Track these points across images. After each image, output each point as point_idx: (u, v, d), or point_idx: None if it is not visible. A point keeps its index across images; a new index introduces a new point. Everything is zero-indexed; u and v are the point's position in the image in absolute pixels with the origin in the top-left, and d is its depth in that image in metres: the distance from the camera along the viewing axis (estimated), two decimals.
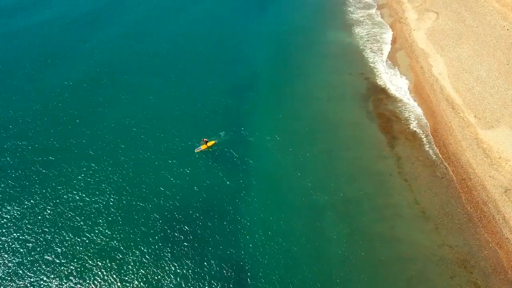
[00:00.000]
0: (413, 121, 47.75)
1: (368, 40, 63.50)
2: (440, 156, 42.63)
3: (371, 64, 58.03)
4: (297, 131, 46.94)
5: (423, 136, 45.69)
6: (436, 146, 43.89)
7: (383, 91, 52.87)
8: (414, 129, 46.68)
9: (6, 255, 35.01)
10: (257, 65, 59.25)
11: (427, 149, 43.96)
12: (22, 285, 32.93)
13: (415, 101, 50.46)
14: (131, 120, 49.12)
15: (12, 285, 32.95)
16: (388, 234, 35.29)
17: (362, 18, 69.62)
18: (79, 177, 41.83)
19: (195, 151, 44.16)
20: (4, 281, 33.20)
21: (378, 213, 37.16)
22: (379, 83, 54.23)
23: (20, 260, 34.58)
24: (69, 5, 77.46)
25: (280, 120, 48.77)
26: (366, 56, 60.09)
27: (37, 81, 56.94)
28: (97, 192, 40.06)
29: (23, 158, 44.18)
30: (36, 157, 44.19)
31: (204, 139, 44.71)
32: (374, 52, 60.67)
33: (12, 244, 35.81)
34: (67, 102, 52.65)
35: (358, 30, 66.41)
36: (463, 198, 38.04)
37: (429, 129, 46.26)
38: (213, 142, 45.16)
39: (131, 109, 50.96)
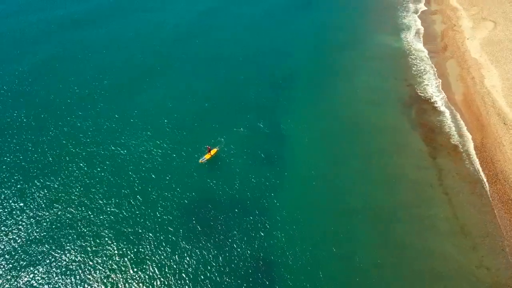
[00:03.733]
0: (457, 133, 45.18)
1: (416, 46, 60.87)
2: (486, 173, 40.01)
3: (418, 71, 55.56)
4: (335, 131, 45.76)
5: (468, 150, 43.09)
6: (482, 162, 41.23)
7: (427, 99, 50.47)
8: (458, 142, 44.18)
9: (37, 229, 36.24)
10: (300, 62, 58.40)
11: (471, 164, 41.43)
12: (44, 259, 33.83)
13: (462, 113, 47.71)
14: (162, 110, 49.42)
15: (36, 258, 33.96)
16: (422, 246, 33.47)
17: (413, 23, 66.96)
18: (107, 161, 42.46)
19: (199, 161, 41.52)
20: (29, 253, 34.41)
21: (414, 223, 35.39)
22: (424, 91, 51.83)
23: (45, 235, 35.54)
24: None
25: (319, 119, 47.71)
26: (413, 62, 57.63)
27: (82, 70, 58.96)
28: (124, 177, 40.54)
29: (57, 138, 45.63)
30: (68, 138, 45.45)
31: (208, 147, 42.28)
32: (422, 59, 58.08)
33: (41, 221, 37.02)
34: (104, 87, 54.12)
35: (407, 35, 63.92)
36: (509, 219, 35.43)
37: (475, 144, 43.56)
38: (216, 150, 42.55)
39: (163, 102, 51.15)
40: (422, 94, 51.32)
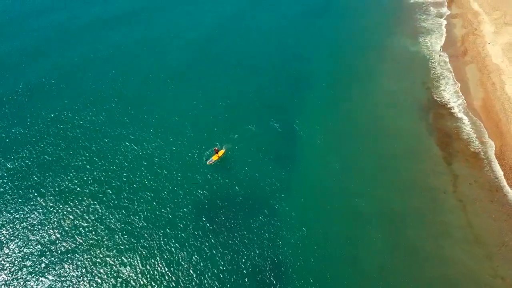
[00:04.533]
0: (476, 140, 43.98)
1: (435, 50, 59.69)
2: (505, 181, 38.77)
3: (436, 75, 54.43)
4: (349, 133, 45.15)
5: (485, 157, 41.88)
6: (501, 169, 39.97)
7: (445, 104, 49.35)
8: (476, 148, 42.99)
9: (48, 220, 36.83)
10: (316, 64, 57.87)
11: (489, 171, 40.21)
12: (53, 250, 34.40)
13: (480, 119, 46.43)
14: (176, 108, 49.58)
15: (46, 248, 34.55)
16: (434, 253, 32.56)
17: (432, 27, 65.73)
18: (119, 155, 42.89)
19: (208, 163, 41.27)
20: (39, 244, 35.01)
21: (426, 229, 34.48)
22: (442, 95, 50.71)
23: (56, 226, 36.13)
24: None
25: (333, 120, 47.13)
26: (431, 66, 56.52)
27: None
28: (136, 172, 40.77)
29: (70, 131, 46.37)
30: (81, 132, 46.14)
31: (215, 148, 42.05)
32: (440, 63, 56.88)
33: (52, 212, 37.62)
34: (118, 83, 54.69)
35: (425, 39, 62.74)
36: None
37: (494, 151, 42.31)
38: (223, 151, 42.31)
39: (178, 100, 51.28)
40: (439, 99, 50.22)
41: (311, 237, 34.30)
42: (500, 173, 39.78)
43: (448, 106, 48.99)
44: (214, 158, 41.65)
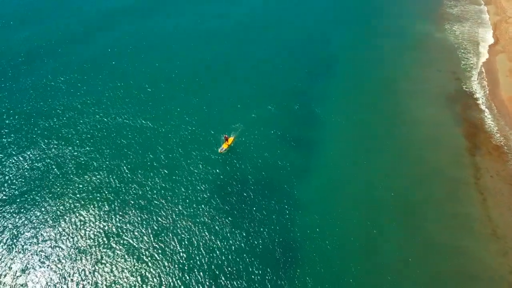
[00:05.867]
0: (502, 133, 42.33)
1: (464, 38, 57.23)
2: None
3: (463, 64, 52.31)
4: (371, 121, 44.01)
5: (509, 151, 40.45)
6: None
7: (471, 94, 47.56)
8: (500, 141, 41.49)
9: (66, 191, 37.52)
10: (338, 49, 56.17)
11: None
12: (69, 221, 35.14)
13: (507, 111, 44.56)
14: (195, 87, 49.23)
15: (62, 217, 35.32)
16: (452, 245, 31.84)
17: (462, 13, 62.89)
18: (136, 132, 43.01)
19: (219, 151, 40.85)
20: (56, 212, 35.80)
21: (444, 221, 33.70)
22: (468, 85, 48.83)
23: (73, 197, 36.88)
24: None
25: (355, 106, 46.01)
26: (459, 54, 54.29)
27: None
28: (152, 149, 40.92)
29: (87, 106, 46.91)
30: (98, 108, 46.60)
31: (225, 136, 41.56)
32: (469, 52, 54.57)
33: (70, 184, 38.31)
34: (136, 61, 54.36)
35: (455, 25, 60.14)
36: None
37: None
38: (233, 138, 41.85)
39: (196, 80, 50.77)
40: (466, 89, 48.38)
41: (324, 224, 33.91)
42: None
43: (474, 96, 47.23)
44: (225, 146, 41.32)
